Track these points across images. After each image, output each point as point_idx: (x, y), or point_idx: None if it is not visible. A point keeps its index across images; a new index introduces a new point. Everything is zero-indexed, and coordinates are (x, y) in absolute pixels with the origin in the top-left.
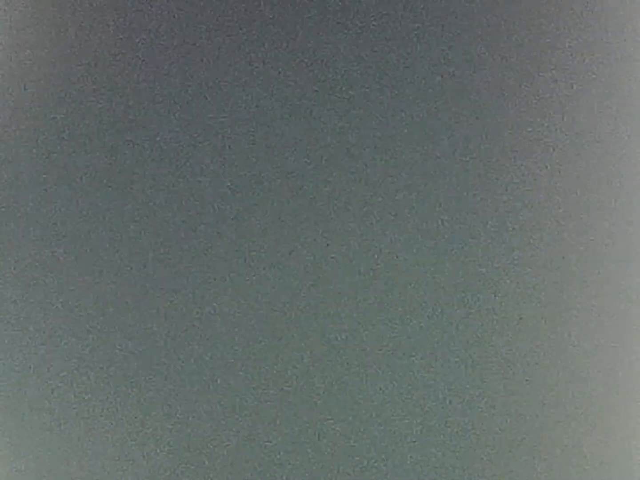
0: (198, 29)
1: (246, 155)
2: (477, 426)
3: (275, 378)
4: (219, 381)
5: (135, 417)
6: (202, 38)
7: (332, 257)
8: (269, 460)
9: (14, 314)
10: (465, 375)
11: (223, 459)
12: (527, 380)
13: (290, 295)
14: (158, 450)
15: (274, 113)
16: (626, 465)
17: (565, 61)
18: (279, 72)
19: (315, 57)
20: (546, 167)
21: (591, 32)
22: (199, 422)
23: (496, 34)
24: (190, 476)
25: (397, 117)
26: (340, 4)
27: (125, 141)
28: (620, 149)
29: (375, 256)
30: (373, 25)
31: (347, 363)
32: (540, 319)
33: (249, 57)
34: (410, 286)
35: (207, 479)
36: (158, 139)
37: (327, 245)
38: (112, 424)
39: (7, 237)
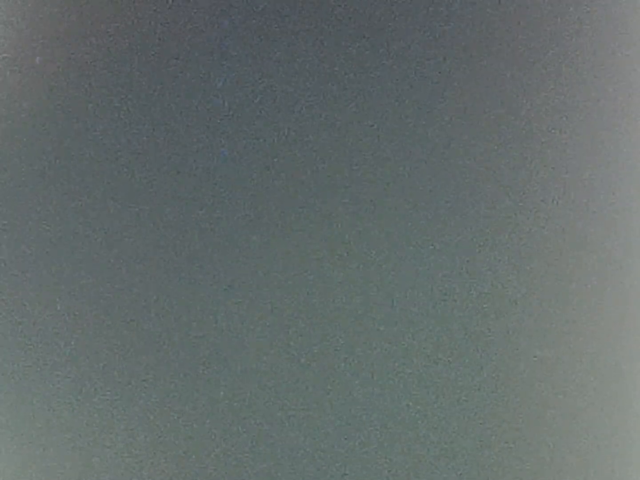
0: (197, 30)
1: (246, 154)
2: (476, 426)
3: (275, 378)
4: (219, 379)
5: (137, 418)
6: (202, 39)
7: (330, 257)
8: (270, 460)
9: (13, 314)
10: (463, 374)
11: (223, 459)
12: (526, 380)
13: (287, 294)
14: (158, 451)
15: (274, 114)
16: (626, 465)
17: (566, 62)
18: (279, 72)
19: (315, 56)
20: (546, 166)
21: (591, 32)
22: (200, 424)
23: (497, 34)
24: (191, 477)
25: (396, 117)
26: (339, 5)
27: (126, 141)
28: (620, 149)
29: (374, 256)
30: (372, 25)
31: (348, 363)
32: (540, 318)
33: (249, 57)
34: (410, 286)
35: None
36: (158, 138)
37: (325, 245)
38: (111, 424)
39: (5, 237)
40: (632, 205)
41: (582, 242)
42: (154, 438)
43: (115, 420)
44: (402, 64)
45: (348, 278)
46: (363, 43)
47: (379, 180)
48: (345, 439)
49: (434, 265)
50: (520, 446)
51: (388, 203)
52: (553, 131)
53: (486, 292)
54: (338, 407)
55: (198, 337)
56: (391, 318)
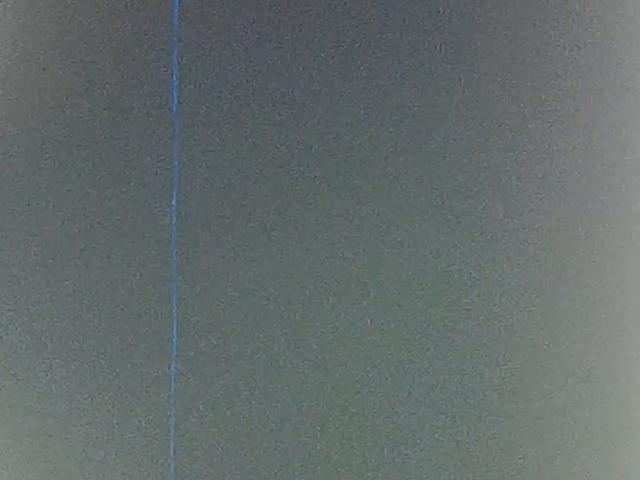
0: (197, 31)
1: (245, 154)
2: (476, 426)
3: (276, 379)
4: (218, 379)
5: (136, 418)
6: (201, 39)
7: (332, 258)
8: (271, 460)
9: (11, 315)
10: (465, 374)
11: (223, 458)
12: (526, 380)
13: (289, 295)
14: (157, 451)
15: (275, 114)
16: (626, 465)
17: (566, 63)
18: (282, 74)
19: (318, 58)
20: (546, 166)
21: (591, 32)
22: (201, 425)
23: (497, 35)
24: (191, 477)
25: (400, 119)
26: (342, 6)
27: (123, 142)
28: (620, 149)
29: (376, 257)
30: (375, 26)
31: (349, 363)
32: (540, 319)
33: (250, 59)
34: (412, 287)
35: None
36: (156, 139)
37: (328, 245)
38: (109, 425)
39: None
40: (632, 206)
41: (582, 245)
42: (154, 438)
43: (111, 422)
44: (406, 65)
45: (351, 280)
46: (370, 46)
47: (380, 181)
48: (348, 440)
49: (435, 266)
50: (522, 445)
51: (391, 204)
52: (554, 133)
53: (486, 294)
54: (340, 408)
55: (197, 340)
56: (394, 318)
